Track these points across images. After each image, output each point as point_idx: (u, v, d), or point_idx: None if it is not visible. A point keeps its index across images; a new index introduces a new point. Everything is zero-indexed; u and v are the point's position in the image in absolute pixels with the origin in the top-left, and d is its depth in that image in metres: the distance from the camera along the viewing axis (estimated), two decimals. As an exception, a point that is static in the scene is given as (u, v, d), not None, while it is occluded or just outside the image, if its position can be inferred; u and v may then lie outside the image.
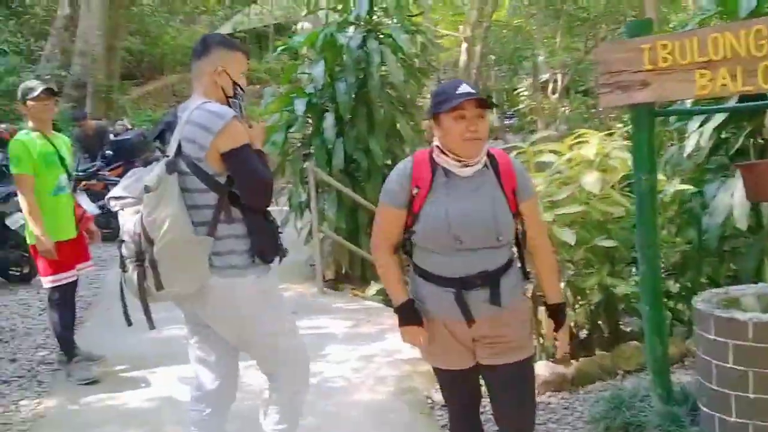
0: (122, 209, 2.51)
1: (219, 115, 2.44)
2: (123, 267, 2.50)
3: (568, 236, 3.96)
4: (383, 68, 6.93)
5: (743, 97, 3.81)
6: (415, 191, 2.32)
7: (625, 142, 4.40)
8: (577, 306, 4.52)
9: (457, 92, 2.24)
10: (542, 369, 4.00)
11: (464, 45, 16.37)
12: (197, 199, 2.45)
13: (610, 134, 4.53)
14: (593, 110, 16.56)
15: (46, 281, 4.27)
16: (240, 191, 2.47)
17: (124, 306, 2.65)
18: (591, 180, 4.06)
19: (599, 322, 4.62)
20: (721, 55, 2.71)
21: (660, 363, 3.31)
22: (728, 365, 2.76)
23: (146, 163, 2.53)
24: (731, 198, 4.34)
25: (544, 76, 16.83)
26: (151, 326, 2.62)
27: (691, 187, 4.50)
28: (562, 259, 4.29)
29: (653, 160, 3.13)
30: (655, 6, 9.93)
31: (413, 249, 2.40)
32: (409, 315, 2.39)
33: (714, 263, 4.77)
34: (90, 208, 4.63)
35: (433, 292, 2.35)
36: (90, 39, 14.19)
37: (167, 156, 2.45)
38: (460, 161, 2.31)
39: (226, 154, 2.43)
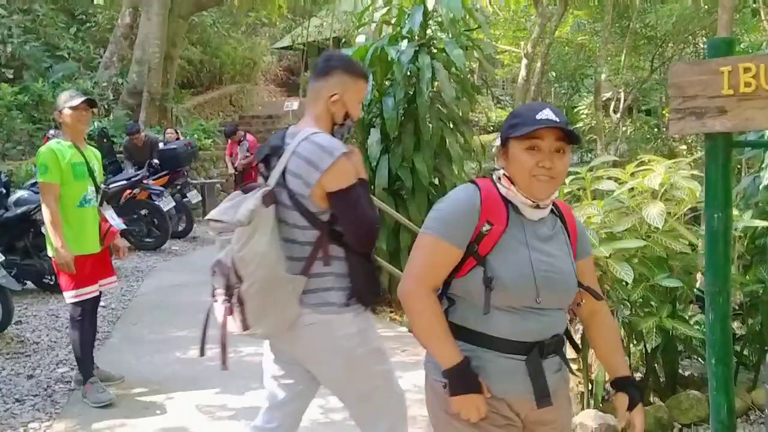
0: (218, 234, 2.37)
1: (328, 151, 2.29)
2: (213, 296, 2.37)
3: (626, 273, 3.57)
4: (435, 84, 6.64)
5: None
6: (485, 228, 1.86)
7: (694, 171, 3.98)
8: (632, 347, 4.11)
9: (536, 117, 1.84)
10: (590, 419, 3.62)
11: (524, 61, 15.94)
12: (296, 234, 2.34)
13: (676, 162, 4.11)
14: (656, 130, 15.94)
15: (69, 296, 4.11)
16: (345, 232, 2.34)
17: (204, 334, 2.46)
18: (654, 212, 3.67)
19: (655, 365, 4.20)
20: None
21: (725, 425, 2.89)
22: (807, 434, 2.37)
23: (247, 190, 2.38)
24: (811, 236, 3.92)
25: (606, 95, 16.28)
26: (224, 367, 2.42)
27: (764, 222, 4.07)
28: (617, 298, 3.90)
29: (729, 195, 2.74)
30: (728, 26, 9.33)
31: (453, 304, 1.95)
32: (469, 380, 1.85)
33: None
34: (116, 222, 4.45)
35: (497, 363, 1.88)
36: (148, 48, 14.28)
37: (267, 185, 2.33)
38: (532, 200, 1.90)
39: (333, 194, 2.29)
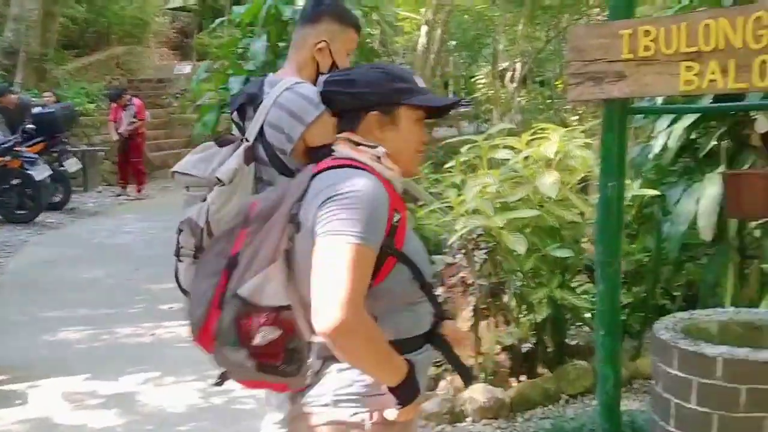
0: (187, 188, 2.16)
1: (313, 103, 2.06)
2: (178, 255, 2.13)
3: (519, 244, 3.50)
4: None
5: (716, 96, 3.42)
6: (396, 218, 1.56)
7: (588, 140, 3.96)
8: (521, 317, 4.08)
9: (421, 86, 1.68)
10: (479, 393, 3.56)
11: (424, 28, 15.83)
12: None
13: (571, 130, 4.07)
14: (549, 101, 16.25)
15: None
16: None
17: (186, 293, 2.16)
18: (548, 181, 3.61)
19: (544, 336, 4.19)
20: (713, 46, 2.27)
21: (610, 396, 2.90)
22: (690, 405, 2.35)
23: (222, 142, 2.16)
24: (696, 205, 3.97)
25: (503, 65, 16.44)
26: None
27: (652, 191, 4.10)
28: (509, 269, 3.84)
29: (623, 164, 2.68)
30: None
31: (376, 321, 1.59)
32: (416, 383, 1.60)
33: (670, 272, 4.43)
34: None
35: (420, 361, 1.64)
36: (26, 4, 13.24)
37: (246, 139, 2.13)
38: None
39: (314, 150, 2.03)
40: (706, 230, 3.87)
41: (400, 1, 17.26)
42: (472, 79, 18.78)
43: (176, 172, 2.15)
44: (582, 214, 3.77)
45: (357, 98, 1.65)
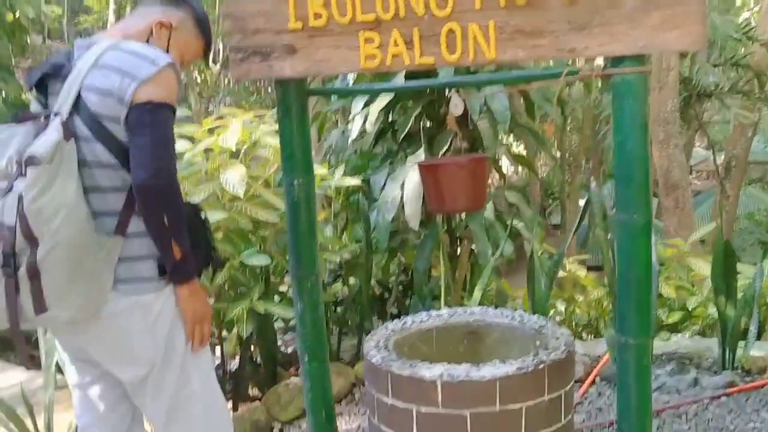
0: None
1: (148, 59, 1.77)
2: None
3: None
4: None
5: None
6: None
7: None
8: (225, 333, 3.52)
9: None
10: None
11: (112, 5, 14.39)
12: (99, 178, 1.77)
13: (260, 116, 3.53)
14: (258, 81, 15.79)
15: None
16: (132, 167, 1.75)
17: None
18: (234, 177, 3.06)
19: (251, 352, 3.67)
20: (392, 13, 1.88)
21: (321, 426, 2.46)
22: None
23: (19, 119, 1.77)
24: (401, 190, 3.75)
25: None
26: (27, 366, 2.02)
27: (354, 180, 3.79)
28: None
29: (308, 157, 2.21)
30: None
31: None
32: None
33: (384, 262, 4.24)
34: None
35: None
36: None
37: (56, 113, 1.74)
38: None
39: (137, 107, 1.73)
40: (412, 218, 3.68)
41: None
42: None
43: None
44: (279, 211, 3.28)
45: None
